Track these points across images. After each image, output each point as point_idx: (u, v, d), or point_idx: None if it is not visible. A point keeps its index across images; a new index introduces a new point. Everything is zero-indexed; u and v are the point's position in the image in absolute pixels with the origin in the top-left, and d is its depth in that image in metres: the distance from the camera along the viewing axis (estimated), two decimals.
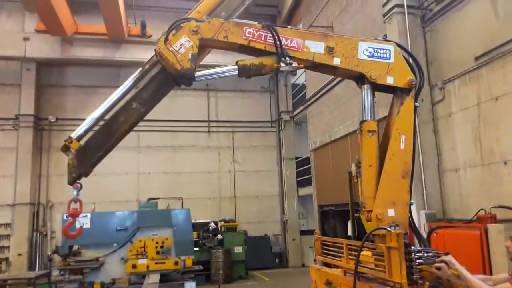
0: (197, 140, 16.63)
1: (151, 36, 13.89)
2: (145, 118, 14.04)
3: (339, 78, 11.68)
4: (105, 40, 14.52)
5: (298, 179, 16.77)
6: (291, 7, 15.96)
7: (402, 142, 4.01)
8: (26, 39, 14.62)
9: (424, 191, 7.71)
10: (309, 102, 14.57)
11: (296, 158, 17.04)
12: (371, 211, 3.88)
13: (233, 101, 17.20)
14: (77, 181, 3.78)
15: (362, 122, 4.08)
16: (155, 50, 3.81)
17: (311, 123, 14.51)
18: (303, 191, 16.20)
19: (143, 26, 13.99)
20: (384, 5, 8.60)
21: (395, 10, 8.24)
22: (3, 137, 14.77)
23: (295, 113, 17.00)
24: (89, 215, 8.70)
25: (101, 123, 3.88)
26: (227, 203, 16.61)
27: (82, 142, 3.78)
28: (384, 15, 8.63)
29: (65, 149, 3.71)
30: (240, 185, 16.76)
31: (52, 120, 14.99)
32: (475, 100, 7.00)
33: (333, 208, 12.30)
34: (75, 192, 3.82)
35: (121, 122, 3.82)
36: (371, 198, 3.91)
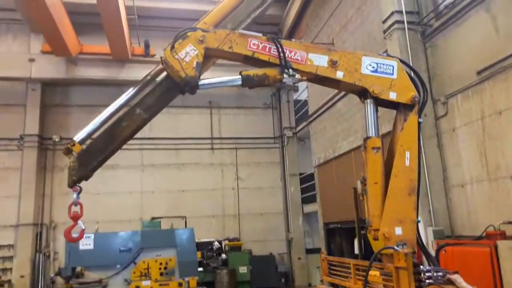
0: (200, 158, 16.59)
1: (154, 55, 14.05)
2: (149, 136, 14.23)
3: (341, 94, 11.72)
4: (109, 60, 14.66)
5: (303, 195, 16.63)
6: (292, 24, 16.12)
7: (407, 158, 3.99)
8: (31, 60, 14.79)
9: (431, 207, 7.61)
10: (311, 118, 14.57)
11: (300, 174, 16.93)
12: (378, 229, 3.83)
13: (236, 118, 17.22)
14: (77, 184, 3.80)
15: (366, 139, 4.06)
16: (160, 57, 3.87)
17: (315, 139, 14.48)
18: (308, 208, 16.05)
19: (147, 46, 14.18)
20: (384, 22, 8.66)
21: (395, 26, 8.29)
22: (8, 157, 14.80)
23: (298, 129, 16.98)
24: (92, 235, 8.65)
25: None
26: (231, 221, 16.47)
27: (85, 146, 3.81)
28: (384, 31, 8.68)
29: (67, 151, 3.75)
30: (244, 202, 16.63)
31: (56, 140, 15.03)
32: (479, 114, 6.96)
33: (339, 225, 12.16)
34: (75, 195, 3.85)
35: (123, 127, 3.84)
36: (378, 216, 3.86)
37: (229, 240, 15.36)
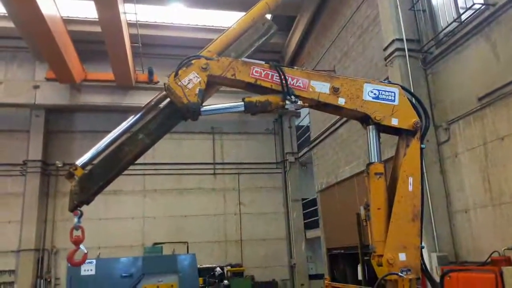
0: (203, 183, 16.58)
1: (158, 82, 14.28)
2: (151, 161, 14.25)
3: (343, 120, 11.82)
4: (113, 86, 14.89)
5: (306, 221, 16.51)
6: (293, 52, 16.42)
7: (410, 184, 4.00)
8: (36, 87, 15.05)
9: (435, 233, 7.55)
10: (313, 144, 14.63)
11: (303, 199, 16.86)
12: (382, 255, 3.81)
13: (238, 143, 17.31)
14: (79, 208, 3.79)
15: (369, 165, 4.09)
16: (164, 84, 3.93)
17: (317, 164, 14.49)
18: (311, 233, 15.90)
19: (151, 73, 14.41)
20: (385, 49, 8.82)
21: (396, 53, 8.44)
22: (11, 183, 14.85)
23: (300, 154, 17.03)
24: (94, 261, 8.57)
25: None
26: (233, 246, 16.29)
27: (87, 170, 3.82)
28: (385, 59, 8.83)
29: (70, 175, 3.76)
30: (246, 228, 16.50)
31: (59, 165, 15.07)
32: (481, 140, 6.99)
33: (342, 251, 12.02)
34: (76, 219, 3.82)
35: (126, 152, 3.87)
36: (382, 242, 3.85)
37: (231, 266, 15.16)
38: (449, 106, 7.78)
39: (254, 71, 4.00)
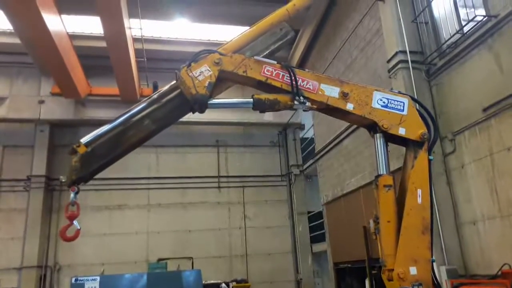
0: (207, 197, 16.49)
1: None
2: (156, 175, 14.14)
3: (348, 131, 11.81)
4: (118, 101, 14.94)
5: (311, 234, 16.35)
6: (297, 65, 16.46)
7: (419, 196, 3.97)
8: (41, 102, 15.15)
9: (443, 246, 7.46)
10: (318, 156, 14.59)
11: (308, 212, 16.73)
12: (393, 269, 3.75)
13: (243, 156, 17.26)
14: (76, 184, 3.80)
15: (377, 177, 4.05)
16: (176, 73, 4.00)
17: (322, 176, 14.42)
18: (317, 247, 15.74)
19: (155, 87, 14.47)
20: (388, 61, 8.85)
21: (399, 65, 8.47)
22: (14, 198, 14.79)
23: (305, 166, 16.97)
24: (98, 278, 8.48)
25: None
26: (238, 261, 16.13)
27: (90, 148, 3.86)
28: (389, 71, 8.85)
29: (73, 151, 3.80)
30: (252, 242, 16.34)
31: (63, 180, 14.96)
32: (487, 151, 6.95)
33: (349, 265, 11.88)
34: (72, 195, 3.82)
35: (130, 135, 3.93)
36: (392, 255, 3.80)
37: (237, 281, 14.95)
38: (454, 117, 7.76)
39: (265, 69, 4.05)
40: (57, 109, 15.18)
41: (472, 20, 7.16)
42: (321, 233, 14.77)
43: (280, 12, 4.91)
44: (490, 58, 6.86)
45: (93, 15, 12.37)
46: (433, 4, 8.40)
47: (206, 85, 3.86)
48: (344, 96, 4.07)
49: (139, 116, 4.02)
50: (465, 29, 7.38)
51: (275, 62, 4.13)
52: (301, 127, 17.75)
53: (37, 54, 13.15)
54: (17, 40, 13.19)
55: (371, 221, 4.10)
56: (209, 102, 3.93)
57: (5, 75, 15.62)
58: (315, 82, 4.09)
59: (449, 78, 7.91)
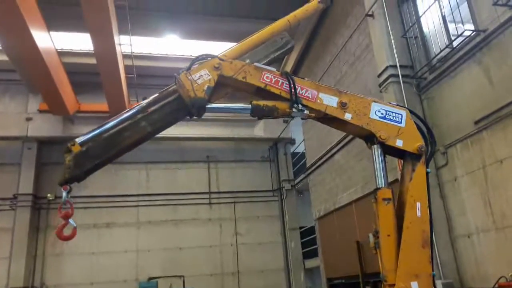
0: (198, 213, 16.31)
1: None
2: (146, 192, 13.97)
3: (339, 146, 11.83)
4: (107, 117, 14.60)
5: (304, 250, 16.21)
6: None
7: (418, 209, 3.93)
8: (28, 119, 14.97)
9: (438, 260, 7.41)
10: (310, 170, 14.56)
11: (300, 228, 16.62)
12: (394, 284, 3.68)
13: (234, 171, 17.18)
14: (68, 183, 3.72)
15: (376, 190, 4.00)
16: (175, 75, 3.97)
17: (314, 191, 14.37)
18: (310, 263, 15.59)
19: None
20: (379, 76, 8.93)
21: (390, 80, 8.54)
22: (0, 217, 14.41)
23: (296, 181, 16.93)
24: None
25: None
26: (230, 279, 15.86)
27: (84, 147, 3.81)
28: (380, 85, 8.92)
29: (67, 150, 3.74)
30: (243, 259, 16.12)
31: (51, 198, 14.74)
32: (480, 163, 6.99)
33: (343, 280, 11.75)
34: (64, 194, 3.74)
35: (125, 137, 3.87)
36: (393, 270, 3.73)
37: None
38: (446, 130, 7.81)
39: (265, 76, 4.05)
40: (45, 126, 14.99)
41: (461, 35, 7.28)
42: (314, 248, 14.65)
43: (281, 22, 4.93)
44: (479, 71, 6.96)
45: (83, 32, 12.32)
46: (422, 19, 8.53)
47: (205, 89, 3.85)
48: (342, 106, 4.07)
49: (136, 117, 3.97)
50: (454, 43, 7.49)
51: (275, 69, 4.14)
52: (291, 141, 17.79)
53: (25, 71, 13.01)
54: (4, 57, 13.04)
55: (371, 235, 4.03)
56: (207, 106, 3.91)
57: None
58: (314, 90, 4.10)
59: (439, 92, 7.99)
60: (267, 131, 17.05)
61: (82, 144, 3.79)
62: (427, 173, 4.08)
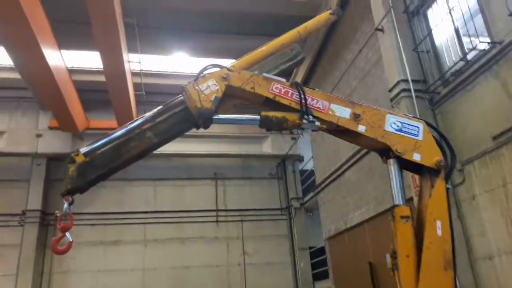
0: (205, 231, 15.99)
1: None
2: (153, 209, 13.78)
3: (349, 163, 11.56)
4: None
5: (314, 271, 15.73)
6: None
7: (439, 228, 3.68)
8: (38, 135, 15.02)
9: (458, 283, 7.00)
10: (319, 188, 14.25)
11: (310, 248, 16.19)
12: None
13: (241, 189, 16.90)
14: (71, 194, 3.63)
15: (393, 207, 3.77)
16: (182, 87, 3.90)
17: (323, 210, 14.03)
18: (320, 285, 15.10)
19: None
20: (390, 90, 8.72)
21: (402, 94, 8.31)
22: (8, 233, 14.33)
23: (305, 199, 16.60)
24: None
25: None
26: None
27: (88, 158, 3.73)
28: (391, 100, 8.70)
29: (71, 160, 3.65)
30: (251, 280, 15.66)
31: (59, 215, 14.55)
32: (500, 181, 6.67)
33: None
34: (66, 205, 3.63)
35: (131, 147, 3.78)
36: None
37: None
38: (461, 146, 7.51)
39: (274, 87, 3.92)
40: (54, 143, 15.02)
41: (475, 48, 7.09)
42: (324, 269, 14.21)
43: (291, 34, 4.82)
44: (497, 84, 6.72)
45: (92, 50, 12.42)
46: (434, 32, 8.36)
47: (212, 99, 3.74)
48: (356, 117, 3.88)
49: (142, 128, 3.90)
50: (469, 56, 7.28)
51: (284, 80, 4.00)
52: (300, 159, 17.53)
53: (36, 88, 13.15)
54: (17, 75, 13.20)
55: (388, 256, 3.78)
56: (214, 117, 3.78)
57: (4, 109, 15.60)
58: (325, 101, 3.93)
59: (454, 106, 7.75)
60: (275, 147, 16.85)
61: (86, 154, 3.71)
62: (447, 189, 3.85)
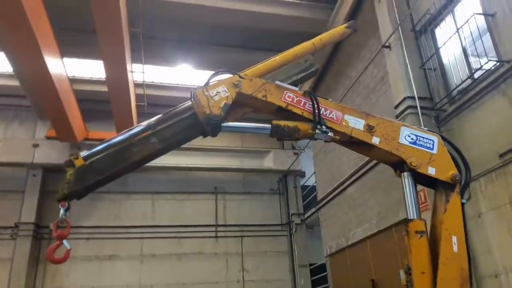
0: (204, 247, 15.70)
1: None
2: (151, 224, 13.51)
3: (351, 179, 11.46)
4: None
5: None
6: None
7: (455, 244, 3.56)
8: (35, 145, 14.82)
9: None
10: (321, 204, 14.10)
11: (311, 265, 15.94)
12: None
13: (242, 204, 16.69)
14: (67, 200, 3.42)
15: (407, 222, 3.65)
16: (191, 91, 3.75)
17: (325, 226, 13.85)
18: None
19: None
20: (396, 107, 8.69)
21: (408, 111, 8.29)
22: (0, 247, 13.94)
23: (306, 215, 16.41)
24: None
25: None
26: None
27: (88, 162, 3.53)
28: (396, 116, 8.66)
29: (69, 164, 3.45)
30: None
31: (55, 222, 14.24)
32: (506, 198, 6.60)
33: None
34: (62, 211, 3.42)
35: (133, 152, 3.60)
36: None
37: None
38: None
39: (286, 95, 3.80)
40: (51, 153, 14.79)
41: (482, 67, 7.09)
42: (325, 287, 13.95)
43: (306, 45, 4.75)
44: (504, 103, 6.70)
45: (95, 58, 12.36)
46: (442, 50, 8.37)
47: (222, 106, 3.59)
48: (370, 129, 3.79)
49: (146, 133, 3.70)
50: (476, 74, 7.28)
51: (297, 89, 3.91)
52: (301, 174, 17.40)
53: (35, 97, 13.01)
54: (15, 83, 13.08)
55: (402, 272, 3.65)
56: (222, 125, 3.62)
57: (1, 117, 15.38)
58: (339, 112, 3.84)
59: (460, 124, 7.71)
60: (277, 162, 16.74)
61: (86, 158, 3.53)
62: (463, 204, 3.76)
